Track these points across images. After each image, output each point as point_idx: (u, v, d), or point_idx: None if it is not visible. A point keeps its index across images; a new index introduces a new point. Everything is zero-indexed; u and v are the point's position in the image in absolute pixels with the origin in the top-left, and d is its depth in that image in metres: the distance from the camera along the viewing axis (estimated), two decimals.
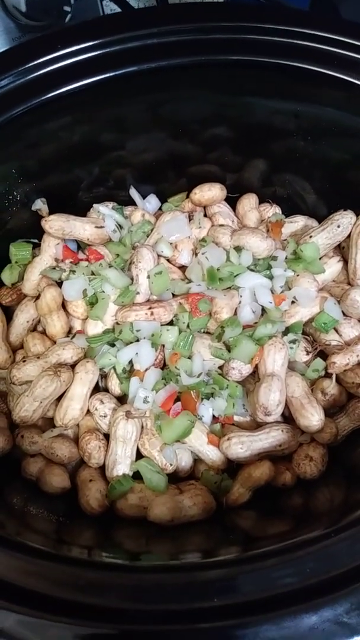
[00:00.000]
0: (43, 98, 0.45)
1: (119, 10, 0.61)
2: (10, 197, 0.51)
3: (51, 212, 0.53)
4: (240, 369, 0.48)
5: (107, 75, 0.46)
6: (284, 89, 0.51)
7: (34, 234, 0.54)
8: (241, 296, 0.50)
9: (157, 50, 0.46)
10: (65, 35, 0.46)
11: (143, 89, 0.49)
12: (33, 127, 0.47)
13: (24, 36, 0.54)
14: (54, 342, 0.52)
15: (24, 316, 0.53)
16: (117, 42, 0.46)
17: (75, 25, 0.47)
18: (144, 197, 0.59)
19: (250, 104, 0.53)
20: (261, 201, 0.60)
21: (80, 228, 0.52)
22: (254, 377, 0.49)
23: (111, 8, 0.75)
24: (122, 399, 0.50)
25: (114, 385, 0.49)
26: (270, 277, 0.51)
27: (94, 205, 0.56)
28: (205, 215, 0.58)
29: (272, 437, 0.46)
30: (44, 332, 0.53)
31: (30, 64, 0.45)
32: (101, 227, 0.54)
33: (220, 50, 0.47)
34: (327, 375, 0.50)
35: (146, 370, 0.48)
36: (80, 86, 0.46)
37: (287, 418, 0.49)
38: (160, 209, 0.59)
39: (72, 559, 0.36)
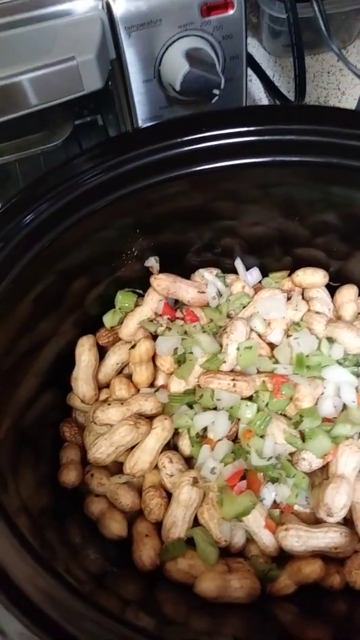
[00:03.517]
0: (180, 173, 0.49)
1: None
2: (129, 252, 0.55)
3: (160, 269, 0.57)
4: (311, 461, 0.48)
5: (242, 161, 0.49)
6: None
7: (140, 285, 0.58)
8: (325, 388, 0.51)
9: (292, 146, 0.49)
10: (211, 119, 0.50)
11: (270, 177, 0.51)
12: (163, 195, 0.51)
13: (170, 106, 0.59)
14: (137, 390, 0.55)
15: (115, 358, 0.57)
16: (256, 132, 0.49)
17: (221, 112, 0.51)
18: (247, 268, 0.61)
19: None
20: None
21: (185, 291, 0.56)
22: (322, 472, 0.49)
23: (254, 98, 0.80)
24: (188, 460, 0.52)
25: (185, 445, 0.51)
26: (357, 375, 0.52)
27: (200, 270, 0.59)
28: (302, 298, 0.59)
29: (329, 538, 0.46)
30: (129, 377, 0.56)
31: (176, 140, 0.49)
32: (203, 292, 0.56)
33: (352, 155, 0.49)
34: None
35: (218, 440, 0.49)
36: (217, 167, 0.49)
37: (347, 521, 0.48)
38: (260, 282, 0.62)
39: (106, 610, 0.37)
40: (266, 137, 0.49)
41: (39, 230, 0.46)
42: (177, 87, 0.53)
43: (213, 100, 0.55)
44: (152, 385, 0.56)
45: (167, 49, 0.53)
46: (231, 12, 0.53)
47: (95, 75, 0.46)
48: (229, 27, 0.53)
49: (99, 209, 0.49)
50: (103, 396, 0.56)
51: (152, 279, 0.55)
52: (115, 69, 0.55)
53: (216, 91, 0.54)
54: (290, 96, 0.81)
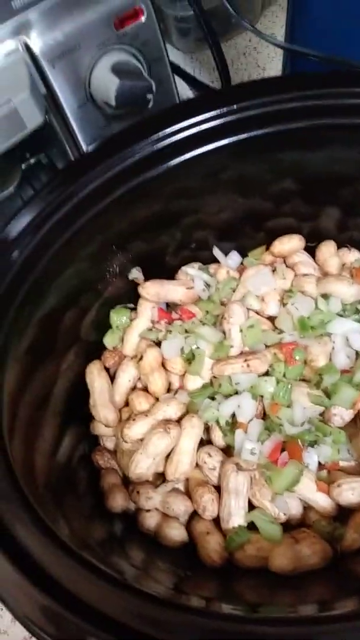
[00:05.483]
0: (138, 180, 0.50)
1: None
2: (110, 269, 0.56)
3: (144, 278, 0.58)
4: (342, 414, 0.49)
5: (191, 155, 0.51)
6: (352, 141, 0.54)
7: (129, 299, 0.59)
8: (334, 342, 0.52)
9: (225, 129, 0.51)
10: (155, 122, 0.51)
11: (216, 163, 0.53)
12: (127, 208, 0.52)
13: (109, 125, 0.60)
14: (156, 399, 0.55)
15: (125, 376, 0.57)
16: (197, 124, 0.51)
17: (160, 113, 0.52)
18: (225, 253, 0.62)
19: (323, 156, 0.56)
20: (339, 246, 0.62)
21: (174, 291, 0.56)
22: (356, 422, 0.50)
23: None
24: (226, 451, 0.52)
25: (218, 437, 0.52)
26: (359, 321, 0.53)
27: (183, 268, 0.60)
28: (286, 266, 0.60)
29: None
30: (145, 390, 0.56)
31: (125, 152, 0.50)
32: (191, 287, 0.57)
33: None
34: None
35: (249, 421, 0.50)
36: (166, 167, 0.51)
37: None
38: (241, 263, 0.63)
39: (191, 608, 0.37)
40: (205, 126, 0.51)
41: (22, 274, 0.47)
42: (113, 102, 0.54)
43: (149, 105, 0.56)
44: (169, 390, 0.56)
45: (93, 69, 0.54)
46: (143, 18, 0.54)
47: (34, 111, 0.47)
48: (144, 33, 0.55)
49: (70, 238, 0.50)
50: (125, 415, 0.56)
51: (140, 289, 0.56)
52: (49, 102, 0.56)
53: (149, 95, 0.55)
54: (216, 86, 0.83)
